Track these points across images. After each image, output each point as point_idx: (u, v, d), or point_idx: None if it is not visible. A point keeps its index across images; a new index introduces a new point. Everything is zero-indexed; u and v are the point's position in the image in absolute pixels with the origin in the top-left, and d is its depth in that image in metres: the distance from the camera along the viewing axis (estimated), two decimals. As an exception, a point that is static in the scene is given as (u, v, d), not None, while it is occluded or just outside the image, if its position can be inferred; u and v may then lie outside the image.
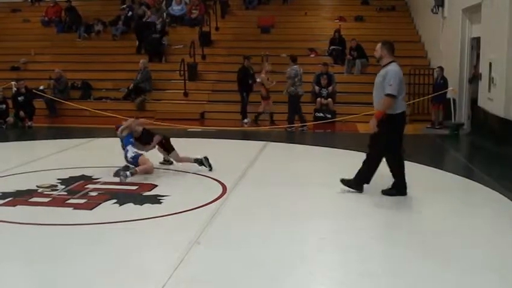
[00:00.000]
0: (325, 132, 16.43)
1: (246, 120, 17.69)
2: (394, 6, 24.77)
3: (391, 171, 8.85)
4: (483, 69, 14.57)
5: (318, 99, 18.05)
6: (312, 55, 21.36)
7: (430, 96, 18.12)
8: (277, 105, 18.09)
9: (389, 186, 8.78)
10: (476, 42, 15.91)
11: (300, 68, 16.64)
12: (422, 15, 21.93)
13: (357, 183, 8.86)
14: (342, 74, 20.03)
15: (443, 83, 16.98)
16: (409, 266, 5.84)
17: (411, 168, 10.91)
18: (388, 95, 8.42)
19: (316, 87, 18.38)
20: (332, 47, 21.05)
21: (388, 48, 8.93)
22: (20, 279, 5.65)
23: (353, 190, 8.81)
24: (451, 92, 16.69)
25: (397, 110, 8.60)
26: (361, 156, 11.89)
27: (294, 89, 16.36)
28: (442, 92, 16.61)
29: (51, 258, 6.03)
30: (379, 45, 8.98)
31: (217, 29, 23.28)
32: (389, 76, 8.55)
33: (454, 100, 16.56)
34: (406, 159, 8.95)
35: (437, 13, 18.55)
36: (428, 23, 20.59)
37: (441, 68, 17.26)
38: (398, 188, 8.74)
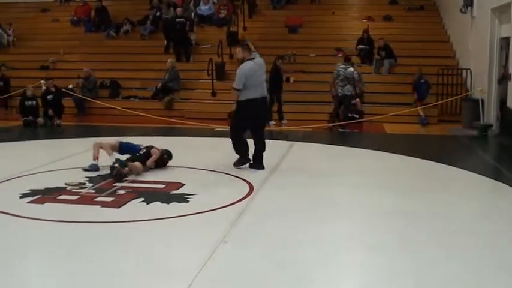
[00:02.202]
0: (353, 133, 16.36)
1: (285, 121, 17.69)
2: (423, 5, 24.62)
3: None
4: (512, 69, 14.45)
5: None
6: (340, 55, 21.28)
7: (458, 96, 18.03)
8: (312, 105, 18.16)
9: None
10: (505, 42, 15.77)
11: (346, 68, 16.55)
12: (451, 14, 21.77)
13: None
14: (370, 74, 19.95)
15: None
16: (434, 267, 5.79)
17: (439, 169, 10.91)
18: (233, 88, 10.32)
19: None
20: (360, 46, 20.97)
21: (247, 48, 10.57)
22: (47, 276, 5.71)
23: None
24: (479, 93, 16.57)
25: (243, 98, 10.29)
26: (388, 157, 11.97)
27: (339, 89, 16.43)
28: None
29: (78, 255, 6.07)
30: (239, 48, 10.67)
31: (245, 28, 23.30)
32: (237, 72, 10.33)
33: (482, 101, 16.42)
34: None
35: (466, 13, 18.40)
36: (457, 22, 20.43)
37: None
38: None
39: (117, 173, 9.58)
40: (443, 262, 5.95)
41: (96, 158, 10.37)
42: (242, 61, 10.53)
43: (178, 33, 21.90)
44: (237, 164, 10.62)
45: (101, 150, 10.47)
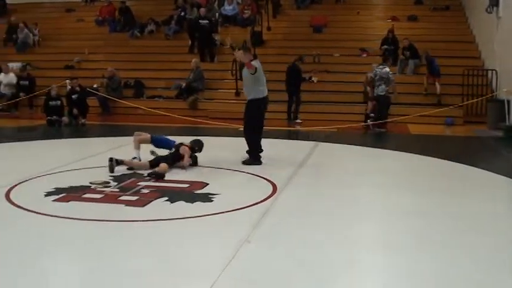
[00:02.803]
0: (377, 133, 16.29)
1: (298, 120, 17.70)
2: (448, 5, 24.44)
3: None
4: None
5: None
6: (364, 55, 21.23)
7: (484, 97, 17.89)
8: (336, 105, 18.15)
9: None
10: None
11: (382, 68, 16.56)
12: (476, 14, 21.61)
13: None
14: (395, 74, 19.82)
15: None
16: (458, 268, 5.75)
17: (462, 170, 10.83)
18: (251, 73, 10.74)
19: (368, 88, 18.24)
20: (384, 46, 20.87)
21: (249, 51, 11.41)
22: (70, 274, 5.73)
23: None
24: (505, 93, 16.44)
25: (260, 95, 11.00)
26: (411, 158, 11.91)
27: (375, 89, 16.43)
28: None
29: (102, 254, 6.09)
30: (241, 51, 11.18)
31: (269, 28, 23.30)
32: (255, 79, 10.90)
33: (508, 101, 16.28)
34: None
35: (491, 13, 18.26)
36: (483, 22, 20.29)
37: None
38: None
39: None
40: (464, 263, 5.90)
41: (136, 148, 10.92)
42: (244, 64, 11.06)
43: (202, 34, 21.91)
44: (249, 163, 10.87)
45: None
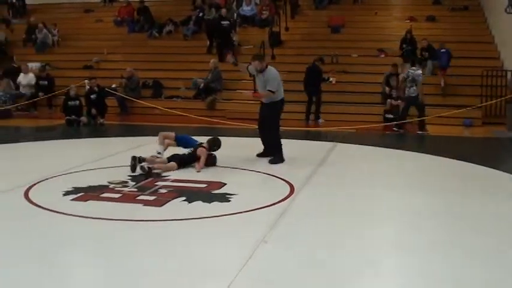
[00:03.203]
0: (395, 134, 16.26)
1: (321, 120, 17.72)
2: (467, 6, 24.28)
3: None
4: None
5: (388, 100, 17.89)
6: (382, 55, 21.17)
7: (503, 98, 17.78)
8: (354, 106, 18.11)
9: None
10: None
11: (415, 69, 16.43)
12: (495, 15, 21.48)
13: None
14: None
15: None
16: (474, 271, 5.72)
17: (479, 172, 10.77)
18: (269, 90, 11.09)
19: (387, 88, 18.22)
20: (403, 47, 20.79)
21: (263, 59, 11.56)
22: (88, 273, 5.77)
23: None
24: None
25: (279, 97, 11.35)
26: (428, 159, 11.87)
27: (407, 91, 16.38)
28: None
29: (120, 253, 6.13)
30: (257, 62, 11.27)
31: (287, 29, 23.30)
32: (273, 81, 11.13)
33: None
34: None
35: (511, 13, 18.14)
36: (502, 23, 20.17)
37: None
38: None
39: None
40: (486, 266, 5.87)
41: (160, 144, 11.14)
42: (260, 71, 11.27)
43: (221, 34, 21.93)
44: (276, 162, 11.03)
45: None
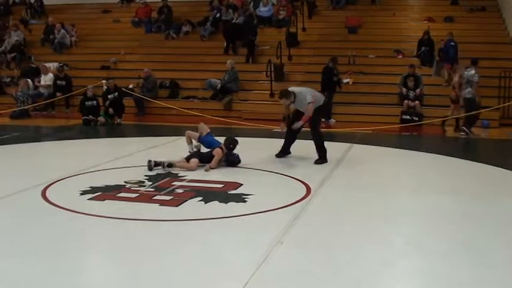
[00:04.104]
0: (412, 135, 16.21)
1: (332, 120, 17.71)
2: (485, 6, 24.14)
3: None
4: None
5: (405, 101, 17.83)
6: (400, 56, 21.10)
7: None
8: (371, 107, 18.07)
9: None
10: None
11: (470, 70, 16.17)
12: (514, 15, 21.37)
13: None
14: (430, 76, 19.70)
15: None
16: (496, 275, 5.69)
17: (495, 173, 10.72)
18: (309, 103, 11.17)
19: (403, 89, 18.16)
20: (420, 47, 20.71)
21: (289, 94, 11.39)
22: (106, 272, 5.82)
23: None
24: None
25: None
26: (445, 160, 11.81)
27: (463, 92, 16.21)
28: None
29: (136, 252, 6.15)
30: (284, 99, 11.44)
31: (304, 29, 23.26)
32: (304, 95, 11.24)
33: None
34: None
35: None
36: (521, 23, 20.05)
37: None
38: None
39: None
40: (508, 269, 5.85)
41: (189, 143, 11.51)
42: (292, 102, 11.43)
43: (247, 35, 21.95)
44: (321, 162, 11.22)
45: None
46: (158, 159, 10.42)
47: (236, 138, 11.06)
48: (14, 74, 22.47)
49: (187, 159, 10.61)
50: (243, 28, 22.09)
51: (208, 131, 11.49)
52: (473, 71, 16.01)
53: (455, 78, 16.92)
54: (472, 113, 15.90)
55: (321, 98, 11.71)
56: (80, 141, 14.53)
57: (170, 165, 10.35)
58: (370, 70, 20.49)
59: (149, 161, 10.32)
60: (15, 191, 8.69)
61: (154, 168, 10.24)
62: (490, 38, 21.60)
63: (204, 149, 11.20)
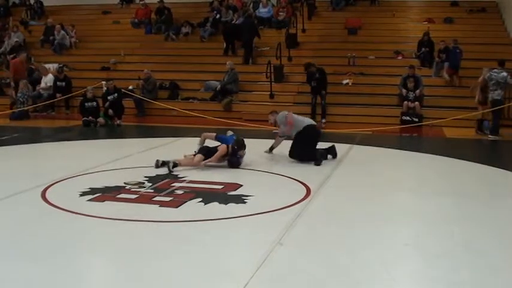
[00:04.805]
0: (412, 136, 16.20)
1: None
2: (485, 7, 24.16)
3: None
4: None
5: (405, 102, 17.81)
6: (399, 57, 21.10)
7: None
8: (370, 108, 18.04)
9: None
10: None
11: (499, 72, 15.98)
12: (513, 17, 21.37)
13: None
14: (430, 77, 19.69)
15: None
16: (496, 276, 5.69)
17: (496, 174, 10.74)
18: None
19: (403, 90, 18.14)
20: (421, 48, 20.71)
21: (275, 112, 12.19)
22: (105, 273, 5.82)
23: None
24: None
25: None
26: (446, 162, 11.80)
27: (490, 94, 16.04)
28: None
29: (136, 254, 6.15)
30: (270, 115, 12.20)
31: (304, 30, 23.27)
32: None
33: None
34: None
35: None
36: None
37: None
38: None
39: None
40: (504, 269, 5.84)
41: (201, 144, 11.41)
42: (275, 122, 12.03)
43: (247, 36, 21.96)
44: (319, 164, 11.24)
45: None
46: (166, 159, 10.51)
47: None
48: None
49: (195, 155, 10.76)
50: (242, 29, 22.06)
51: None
52: (504, 73, 15.82)
53: (479, 80, 16.74)
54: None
55: (300, 124, 11.65)
56: (79, 143, 14.52)
57: (175, 165, 10.37)
58: (369, 71, 20.48)
59: (157, 161, 10.48)
60: (15, 192, 8.69)
61: (161, 167, 10.38)
62: (490, 39, 21.60)
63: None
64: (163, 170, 10.24)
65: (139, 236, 6.78)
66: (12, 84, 20.90)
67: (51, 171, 10.17)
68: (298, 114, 12.00)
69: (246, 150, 10.97)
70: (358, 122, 17.54)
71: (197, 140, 11.58)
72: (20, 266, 5.77)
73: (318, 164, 11.08)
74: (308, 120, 12.03)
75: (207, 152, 10.74)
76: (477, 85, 16.55)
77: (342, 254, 6.19)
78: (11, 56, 23.08)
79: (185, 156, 10.87)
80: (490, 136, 15.63)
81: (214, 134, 11.44)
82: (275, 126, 12.25)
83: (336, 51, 21.39)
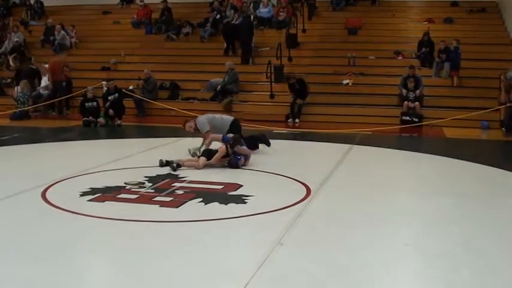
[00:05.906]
0: (412, 136, 16.21)
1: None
2: (485, 7, 24.16)
3: None
4: None
5: (405, 102, 17.82)
6: (399, 58, 21.10)
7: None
8: (371, 108, 18.08)
9: None
10: None
11: None
12: (513, 17, 21.37)
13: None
14: (430, 77, 19.69)
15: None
16: (496, 276, 5.69)
17: (496, 175, 10.72)
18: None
19: (403, 90, 18.14)
20: (421, 48, 20.71)
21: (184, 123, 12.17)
22: (105, 273, 5.82)
23: None
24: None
25: None
26: (446, 162, 11.81)
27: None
28: None
29: (136, 254, 6.15)
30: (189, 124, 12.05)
31: (304, 30, 23.28)
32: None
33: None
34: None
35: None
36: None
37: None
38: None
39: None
40: (504, 269, 5.84)
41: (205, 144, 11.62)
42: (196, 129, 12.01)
43: (245, 36, 21.96)
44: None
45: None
46: (170, 159, 10.59)
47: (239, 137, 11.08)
48: (12, 76, 22.43)
49: (199, 157, 10.86)
50: (240, 29, 22.07)
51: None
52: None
53: (503, 78, 16.68)
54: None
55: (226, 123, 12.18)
56: (80, 143, 14.53)
57: (179, 165, 10.40)
58: (370, 71, 20.49)
59: (160, 160, 10.55)
60: (15, 192, 8.69)
61: (165, 166, 10.47)
62: (490, 39, 21.61)
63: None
64: (164, 170, 10.24)
65: (139, 236, 6.79)
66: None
67: (52, 171, 10.17)
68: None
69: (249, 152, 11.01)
70: (358, 122, 17.52)
71: (198, 140, 11.57)
72: (20, 266, 5.77)
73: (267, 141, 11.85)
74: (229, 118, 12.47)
75: (208, 154, 10.76)
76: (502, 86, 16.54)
77: (341, 254, 6.19)
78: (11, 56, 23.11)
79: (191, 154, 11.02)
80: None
81: (221, 136, 11.41)
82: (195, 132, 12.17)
83: (336, 51, 21.41)
